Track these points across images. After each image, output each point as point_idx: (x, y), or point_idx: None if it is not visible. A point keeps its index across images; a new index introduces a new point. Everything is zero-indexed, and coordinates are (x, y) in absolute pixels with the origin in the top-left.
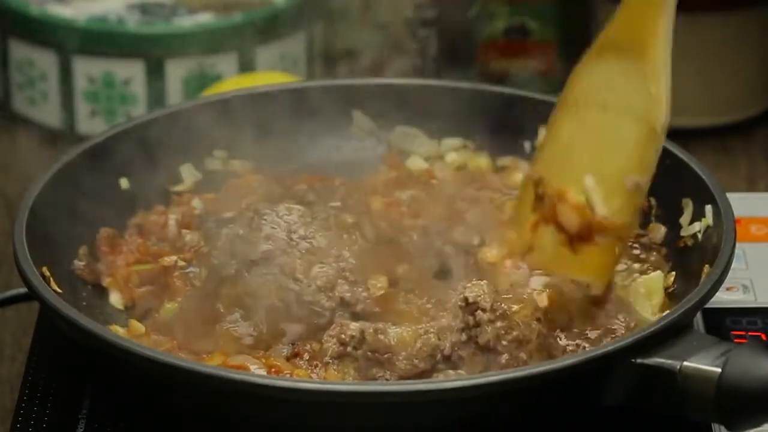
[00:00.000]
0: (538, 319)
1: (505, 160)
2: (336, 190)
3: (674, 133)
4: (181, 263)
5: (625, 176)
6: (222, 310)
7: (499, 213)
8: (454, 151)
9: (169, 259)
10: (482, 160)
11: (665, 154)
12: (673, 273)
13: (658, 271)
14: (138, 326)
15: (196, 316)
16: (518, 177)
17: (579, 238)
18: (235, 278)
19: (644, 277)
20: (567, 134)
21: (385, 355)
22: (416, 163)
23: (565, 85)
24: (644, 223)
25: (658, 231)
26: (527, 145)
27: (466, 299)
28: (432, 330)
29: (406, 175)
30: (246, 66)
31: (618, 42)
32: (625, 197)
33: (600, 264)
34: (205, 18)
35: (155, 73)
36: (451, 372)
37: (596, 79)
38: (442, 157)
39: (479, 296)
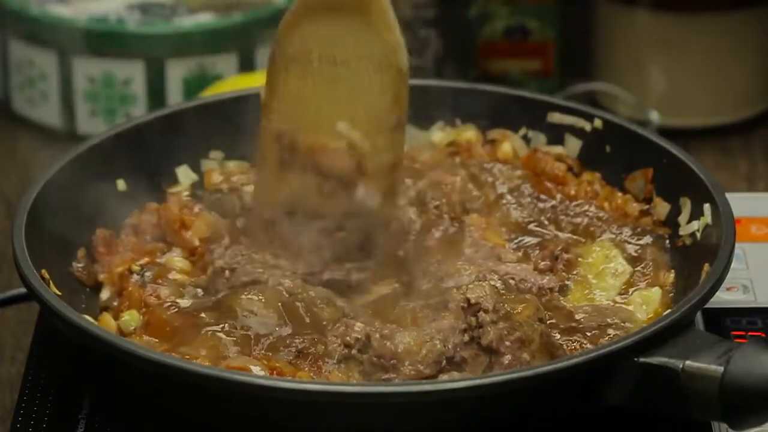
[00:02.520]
0: (541, 320)
1: (494, 133)
2: None
3: (674, 133)
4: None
5: (383, 116)
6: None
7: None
8: (440, 130)
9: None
10: (470, 133)
11: (662, 152)
12: (672, 272)
13: (656, 287)
14: (109, 320)
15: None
16: (507, 148)
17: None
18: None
19: (640, 291)
20: (296, 90)
21: (391, 361)
22: None
23: (273, 44)
24: (648, 195)
25: (662, 207)
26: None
27: (468, 300)
28: (438, 337)
29: None
30: (246, 66)
31: (329, 2)
32: (387, 134)
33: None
34: (205, 18)
35: (155, 73)
36: (454, 373)
37: (313, 38)
38: (431, 142)
39: (481, 297)
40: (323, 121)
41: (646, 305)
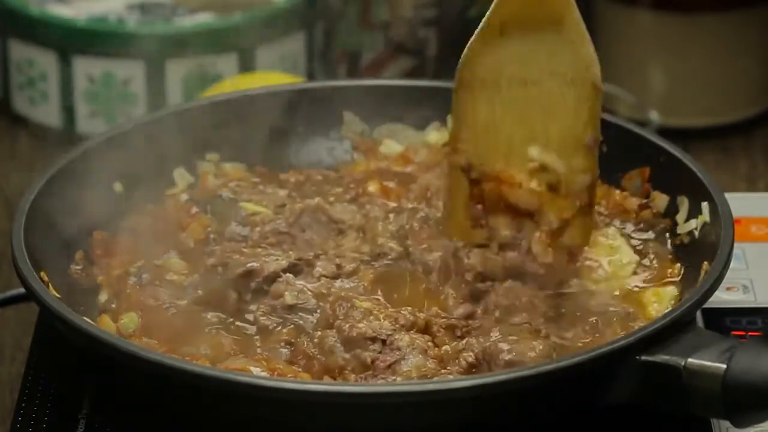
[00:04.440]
0: (546, 321)
1: None
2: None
3: (674, 133)
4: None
5: (578, 135)
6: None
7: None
8: (435, 131)
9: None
10: None
11: (659, 151)
12: (678, 264)
13: (672, 287)
14: (108, 322)
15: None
16: None
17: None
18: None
19: (657, 288)
20: (484, 116)
21: (350, 335)
22: (391, 148)
23: (460, 68)
24: (645, 193)
25: (661, 200)
26: None
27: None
28: (384, 335)
29: (385, 166)
30: (246, 66)
31: (524, 18)
32: (584, 154)
33: (576, 233)
34: (205, 18)
35: (155, 73)
36: (449, 375)
37: (502, 57)
38: (426, 142)
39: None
40: (514, 146)
41: (658, 302)
